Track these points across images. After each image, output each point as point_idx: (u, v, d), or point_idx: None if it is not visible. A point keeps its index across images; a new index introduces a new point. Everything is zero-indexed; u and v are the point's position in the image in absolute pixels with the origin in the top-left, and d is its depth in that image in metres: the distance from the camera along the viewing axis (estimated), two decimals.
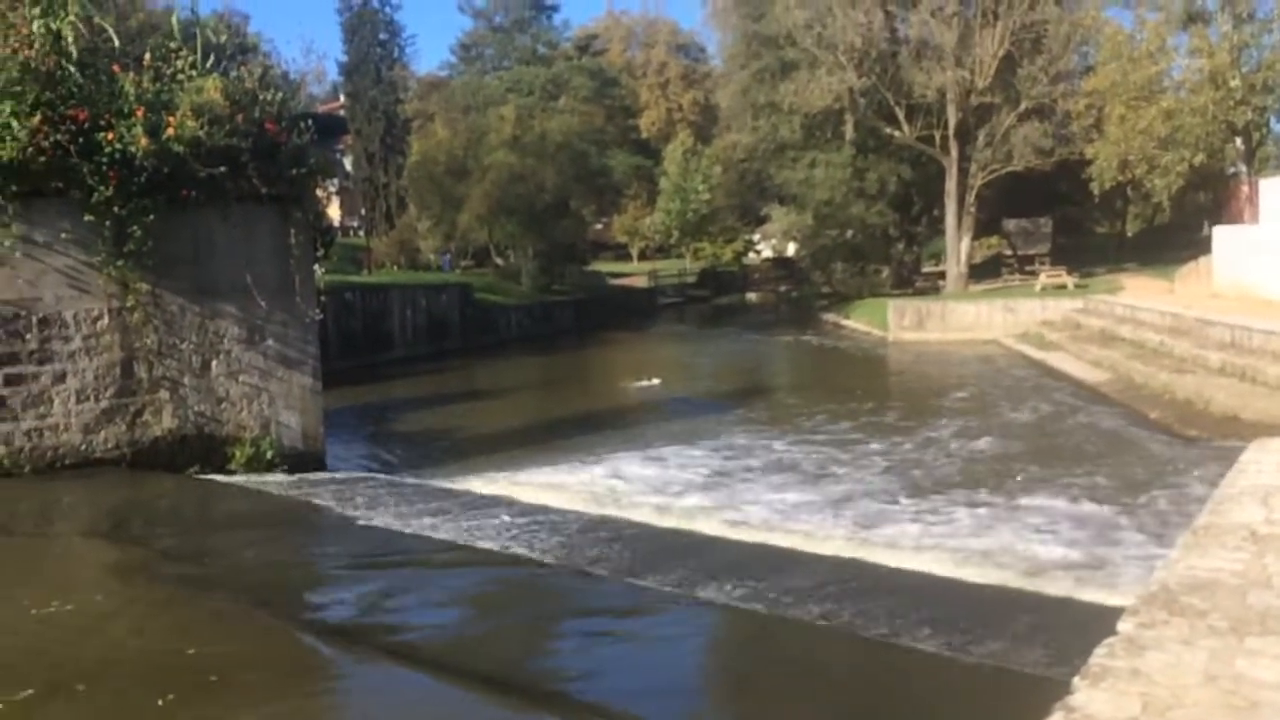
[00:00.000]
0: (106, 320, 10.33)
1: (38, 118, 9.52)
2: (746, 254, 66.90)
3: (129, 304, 10.40)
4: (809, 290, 49.11)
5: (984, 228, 43.64)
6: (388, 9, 49.74)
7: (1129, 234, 48.75)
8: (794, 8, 36.74)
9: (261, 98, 10.99)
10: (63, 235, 10.04)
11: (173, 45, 10.91)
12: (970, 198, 38.16)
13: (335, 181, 37.73)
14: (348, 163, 48.61)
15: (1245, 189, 31.15)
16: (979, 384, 21.38)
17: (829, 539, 9.53)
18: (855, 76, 36.45)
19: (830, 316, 40.85)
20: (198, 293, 10.89)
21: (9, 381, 9.84)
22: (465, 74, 59.18)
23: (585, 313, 44.37)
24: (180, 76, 10.66)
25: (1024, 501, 10.93)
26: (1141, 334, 21.18)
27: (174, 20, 11.37)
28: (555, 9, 63.20)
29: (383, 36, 49.52)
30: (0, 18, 9.85)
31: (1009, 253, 44.31)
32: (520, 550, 8.12)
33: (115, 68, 10.36)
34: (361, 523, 8.96)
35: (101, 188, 9.91)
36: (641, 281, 58.91)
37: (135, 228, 10.16)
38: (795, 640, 6.15)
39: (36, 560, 7.51)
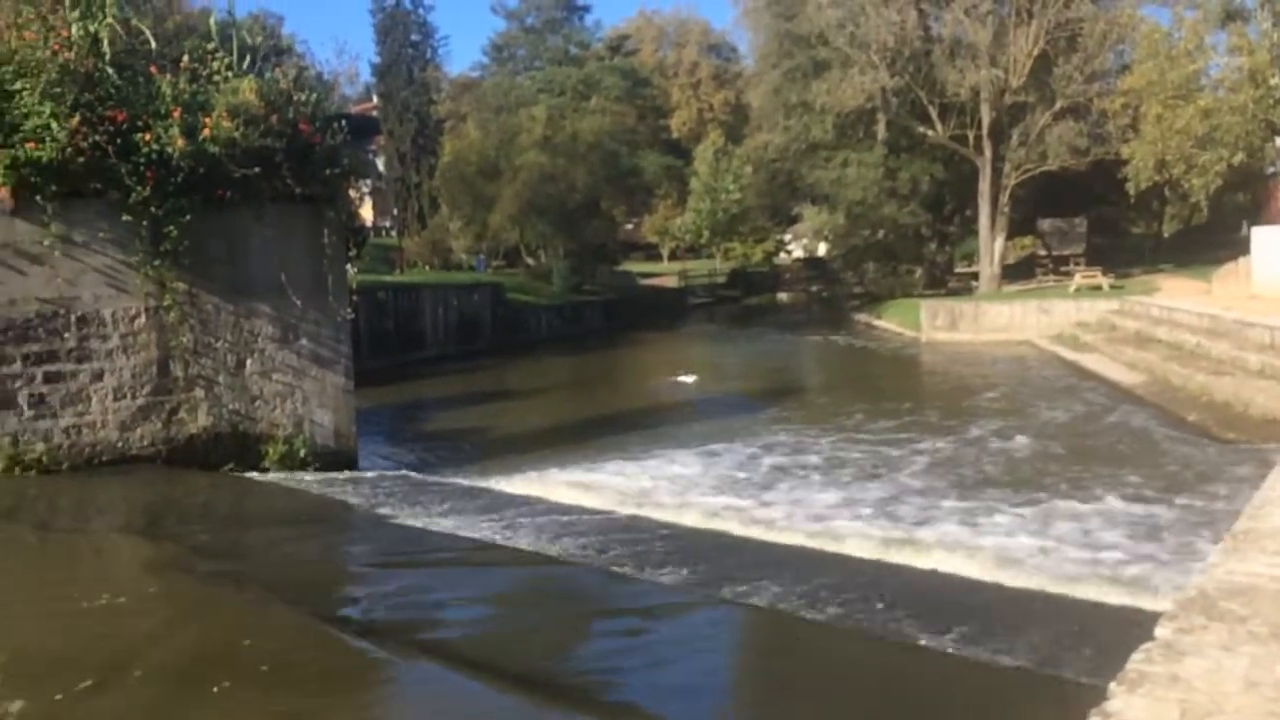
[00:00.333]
0: (143, 319, 10.45)
1: (76, 119, 9.65)
2: (777, 254, 66.75)
3: (166, 303, 10.52)
4: (840, 290, 48.90)
5: (1018, 228, 43.26)
6: (420, 10, 50.15)
7: (1165, 234, 48.15)
8: (826, 7, 36.58)
9: (296, 99, 11.07)
10: (101, 235, 10.17)
11: (209, 47, 11.01)
12: (1004, 197, 37.83)
13: (368, 182, 37.98)
14: (380, 163, 48.95)
15: None
16: (1012, 385, 21.19)
17: (865, 539, 9.46)
18: (888, 76, 36.23)
19: (862, 317, 40.64)
20: (233, 292, 11.00)
21: (48, 379, 9.98)
22: (497, 74, 59.35)
23: (615, 313, 44.42)
24: (216, 78, 10.76)
25: (1060, 505, 10.81)
26: (1178, 335, 20.91)
27: (211, 22, 11.47)
28: (587, 9, 63.34)
29: (415, 38, 49.88)
30: (40, 20, 9.98)
31: (1043, 253, 43.87)
32: (551, 549, 8.13)
33: (152, 69, 10.48)
34: (393, 521, 9.01)
35: (139, 188, 10.03)
36: (672, 281, 58.90)
37: (171, 227, 10.28)
38: (824, 642, 6.12)
39: (75, 556, 7.61)
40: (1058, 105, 35.33)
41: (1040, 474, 12.61)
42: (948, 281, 43.31)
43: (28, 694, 4.81)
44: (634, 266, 58.96)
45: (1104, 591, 7.74)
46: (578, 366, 30.35)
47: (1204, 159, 29.73)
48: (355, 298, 12.70)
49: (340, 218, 11.73)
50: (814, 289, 57.51)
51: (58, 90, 9.67)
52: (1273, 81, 28.98)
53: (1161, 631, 4.58)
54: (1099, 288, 32.26)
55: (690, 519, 10.34)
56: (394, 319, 29.84)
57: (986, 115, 36.22)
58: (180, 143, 10.04)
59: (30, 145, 9.56)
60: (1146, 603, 7.05)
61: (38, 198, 9.74)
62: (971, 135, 36.76)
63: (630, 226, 64.57)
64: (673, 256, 66.33)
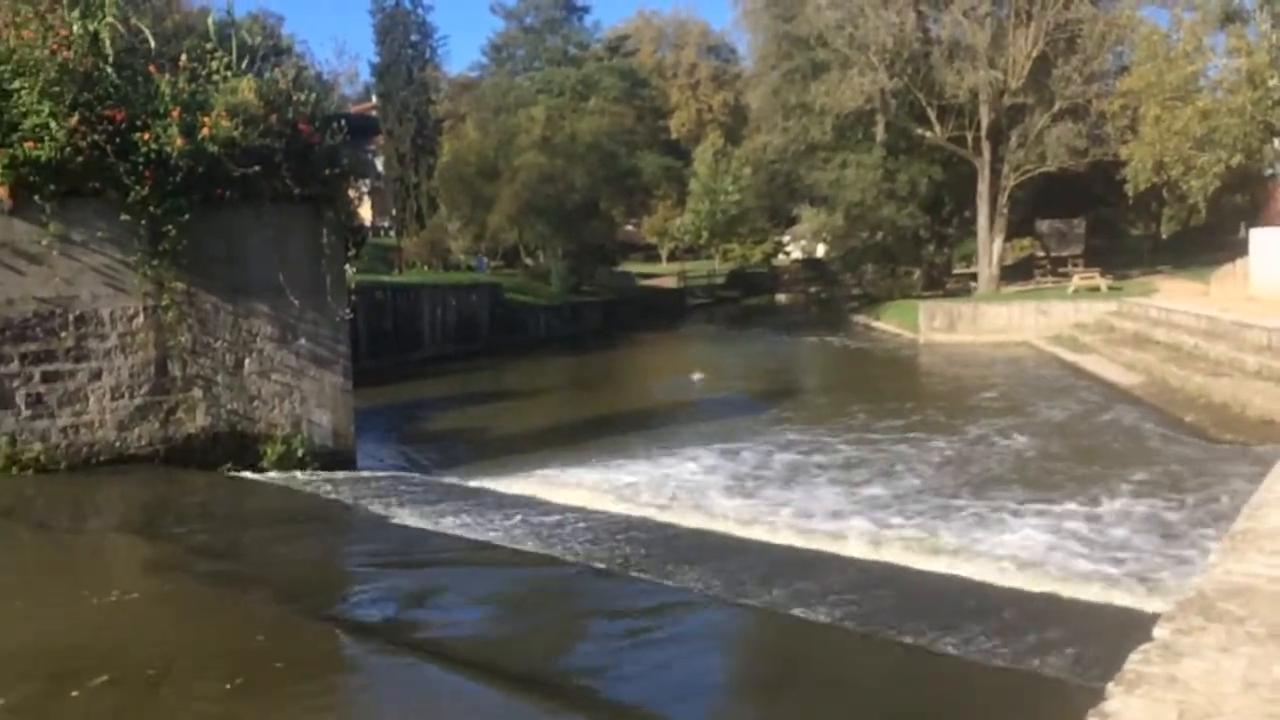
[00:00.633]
0: (142, 318, 10.45)
1: (75, 118, 9.65)
2: (776, 255, 66.69)
3: (164, 302, 10.51)
4: (839, 292, 48.86)
5: (1016, 229, 43.21)
6: (419, 10, 50.01)
7: (1164, 236, 48.14)
8: (825, 8, 36.54)
9: (295, 98, 11.08)
10: (99, 234, 10.16)
11: (208, 46, 11.01)
12: (1002, 199, 37.81)
13: (367, 182, 37.86)
14: (379, 163, 48.88)
15: None
16: (1011, 386, 21.19)
17: (866, 539, 9.47)
18: (887, 77, 36.19)
19: (860, 318, 40.64)
20: (231, 292, 10.99)
21: (46, 379, 9.97)
22: (496, 75, 59.27)
23: (614, 313, 44.40)
24: (215, 77, 10.76)
25: (1058, 506, 10.81)
26: (1176, 337, 20.91)
27: (210, 22, 11.47)
28: (586, 10, 63.17)
29: (414, 38, 49.76)
30: (39, 19, 9.97)
31: (1041, 254, 43.85)
32: (551, 549, 8.12)
33: (151, 68, 10.47)
34: (392, 521, 9.00)
35: (137, 187, 10.03)
36: (671, 282, 58.88)
37: (170, 227, 10.28)
38: (826, 643, 6.12)
39: (72, 555, 7.60)
40: (1056, 106, 35.30)
41: (1040, 475, 12.60)
42: (946, 283, 43.28)
43: (24, 692, 4.81)
44: (633, 267, 58.94)
45: (1103, 592, 7.74)
46: (577, 367, 30.34)
47: (1202, 160, 29.74)
48: (354, 298, 12.70)
49: (339, 218, 11.73)
50: (812, 290, 57.47)
51: (56, 89, 9.67)
52: (1271, 83, 28.99)
53: (1159, 632, 4.57)
54: (1097, 289, 32.26)
55: (691, 519, 10.34)
56: (392, 319, 29.83)
57: (985, 117, 36.20)
58: (179, 142, 10.03)
59: (29, 144, 9.56)
60: (1145, 604, 7.05)
61: (36, 197, 9.73)
62: (970, 137, 36.74)
63: (629, 227, 64.55)
64: (671, 257, 66.32)
